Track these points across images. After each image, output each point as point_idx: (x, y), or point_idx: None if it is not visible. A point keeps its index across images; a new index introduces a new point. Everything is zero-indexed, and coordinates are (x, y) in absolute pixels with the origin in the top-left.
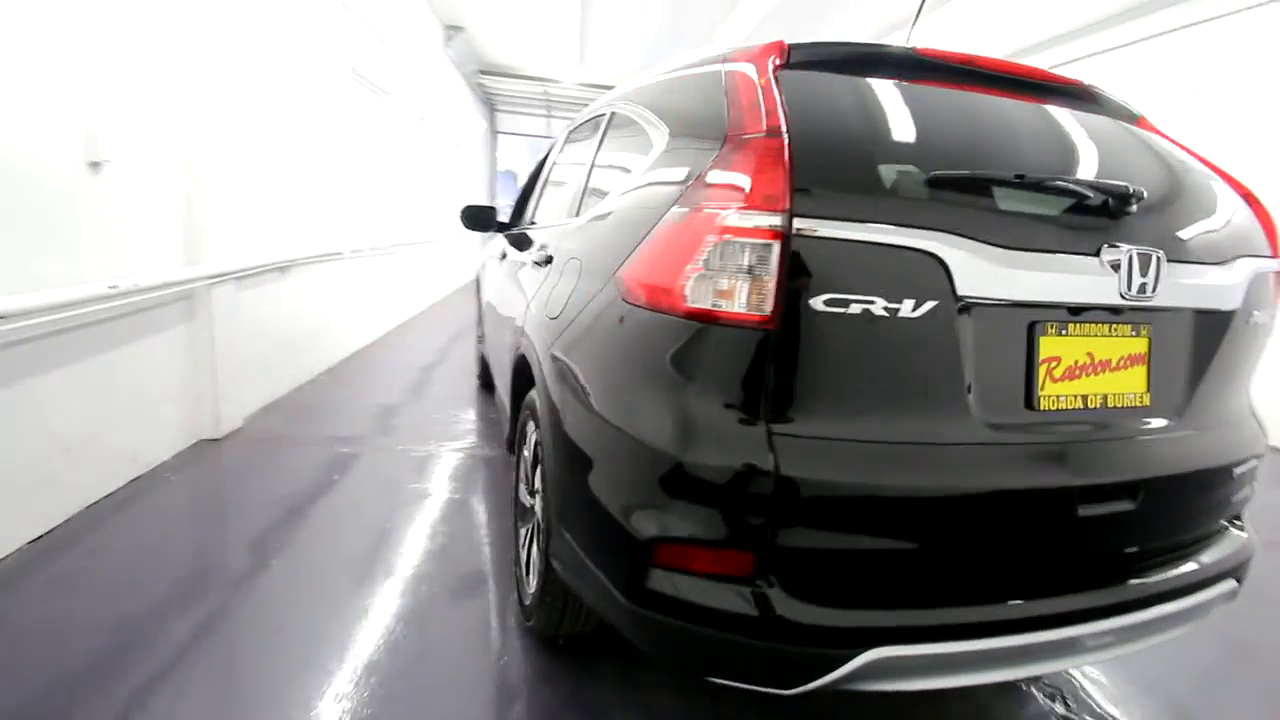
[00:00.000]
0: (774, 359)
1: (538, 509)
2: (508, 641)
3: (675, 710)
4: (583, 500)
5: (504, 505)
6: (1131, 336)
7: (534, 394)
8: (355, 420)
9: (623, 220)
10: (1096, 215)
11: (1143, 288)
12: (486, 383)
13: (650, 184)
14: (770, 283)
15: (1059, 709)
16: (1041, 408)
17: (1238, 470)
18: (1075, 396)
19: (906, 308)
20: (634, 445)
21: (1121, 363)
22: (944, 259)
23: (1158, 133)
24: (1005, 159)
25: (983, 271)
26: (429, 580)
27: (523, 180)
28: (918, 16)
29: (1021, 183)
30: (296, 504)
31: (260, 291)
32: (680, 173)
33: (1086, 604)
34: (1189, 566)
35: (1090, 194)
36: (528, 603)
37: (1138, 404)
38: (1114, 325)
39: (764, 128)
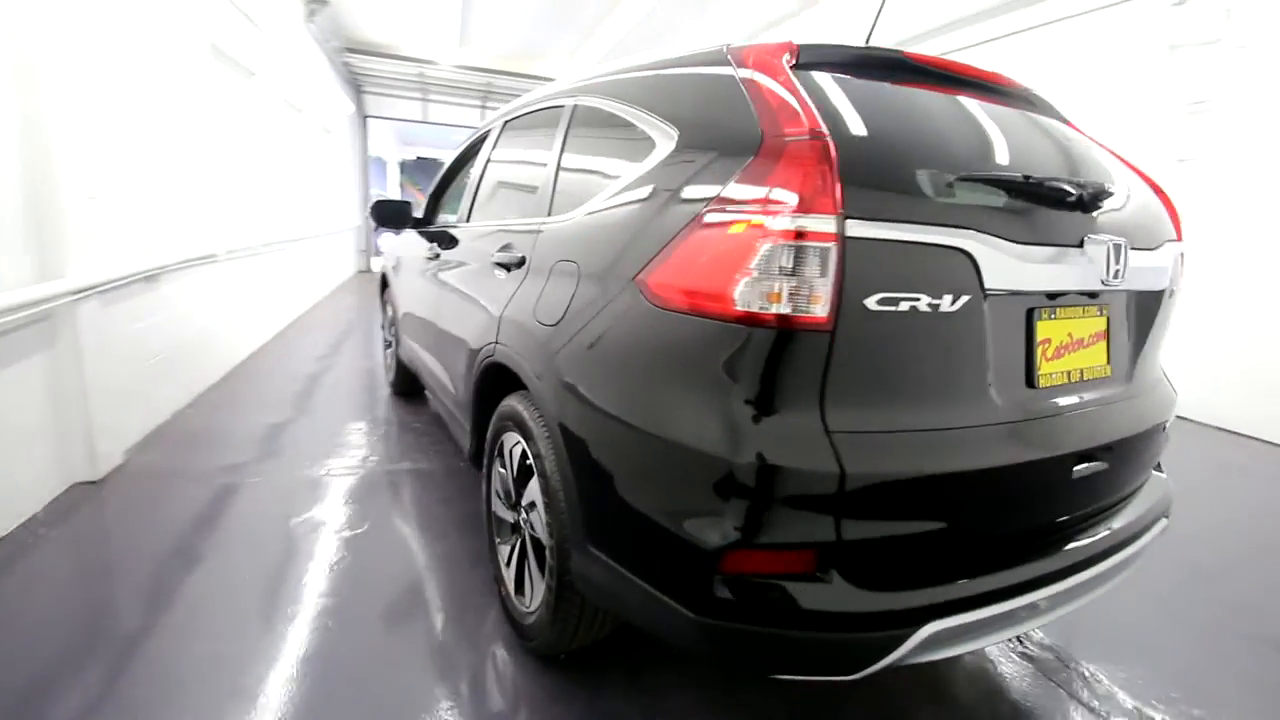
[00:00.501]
0: (830, 359)
1: (538, 525)
2: (500, 667)
3: (693, 707)
4: (621, 515)
5: (447, 523)
6: (1096, 316)
7: (516, 404)
8: (252, 445)
9: (630, 223)
10: (1075, 210)
11: (1117, 273)
12: (405, 391)
13: (664, 187)
14: (827, 285)
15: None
16: (1040, 385)
17: (1166, 424)
18: (1062, 373)
19: (945, 303)
20: (685, 454)
21: (1090, 339)
22: (974, 255)
23: (1080, 131)
24: (998, 159)
25: (1002, 265)
26: (403, 608)
27: (390, 172)
28: (877, 17)
29: (1025, 182)
30: (198, 553)
31: (130, 306)
32: (707, 175)
33: (1082, 555)
34: (1142, 510)
35: (1075, 190)
36: (528, 621)
37: (1102, 375)
38: (1085, 307)
39: (805, 129)
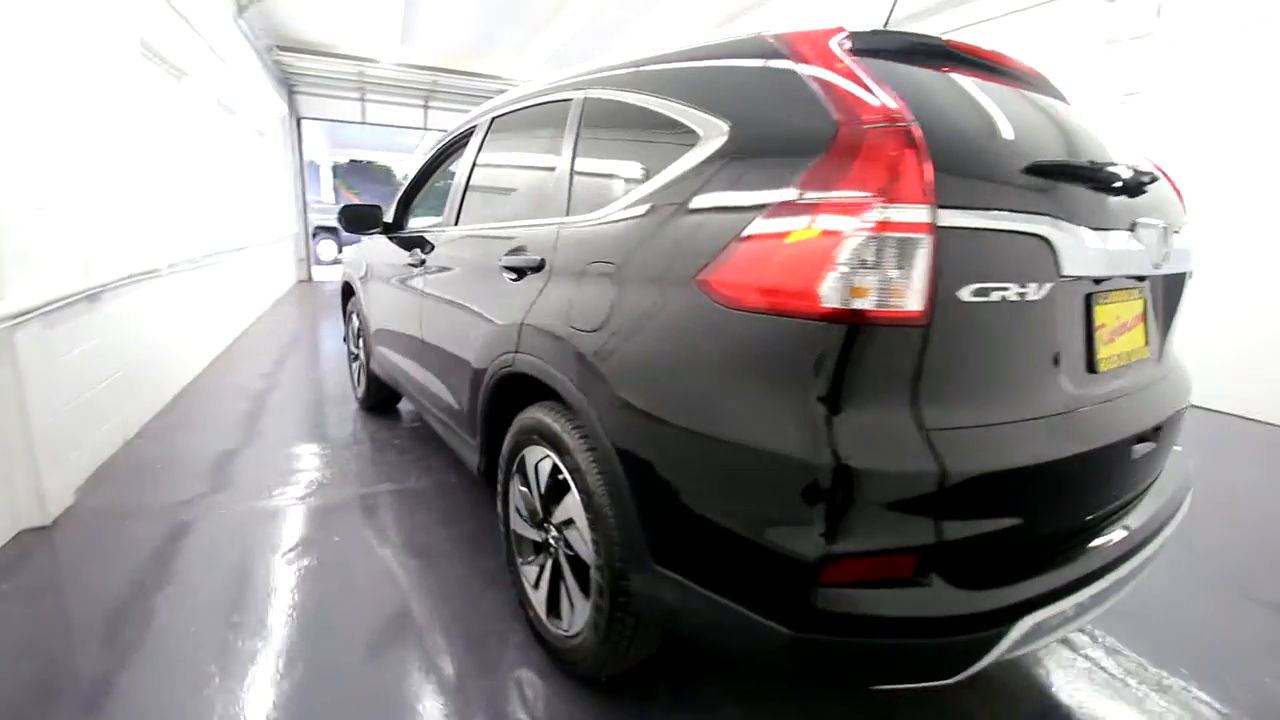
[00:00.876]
0: (925, 354)
1: (579, 543)
2: (534, 696)
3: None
4: (696, 531)
5: (450, 544)
6: (1137, 299)
7: (542, 416)
8: (215, 475)
9: (682, 220)
10: (1123, 194)
11: (1165, 256)
12: (376, 406)
13: (720, 180)
14: (922, 278)
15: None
16: (1100, 370)
17: (1190, 401)
18: (1115, 356)
19: (1031, 291)
20: (774, 462)
21: (1133, 322)
22: (1052, 241)
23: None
24: (1053, 145)
25: (1075, 250)
26: (408, 640)
27: (323, 176)
28: (894, 7)
29: (1088, 167)
30: (163, 603)
31: (72, 329)
32: (775, 167)
33: (1143, 532)
34: (1177, 484)
35: (1127, 175)
36: (568, 644)
37: (1143, 356)
38: (1128, 290)
39: (885, 115)
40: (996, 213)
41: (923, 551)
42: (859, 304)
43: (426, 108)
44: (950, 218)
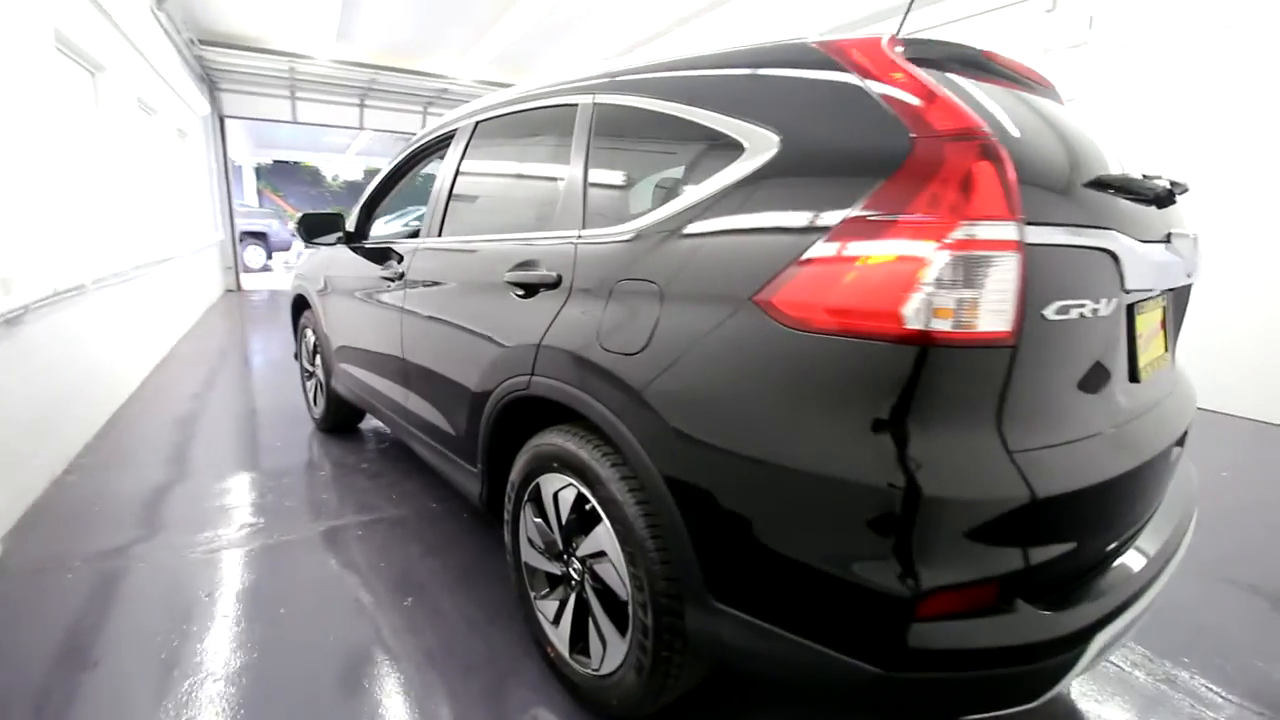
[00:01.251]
0: (1011, 375)
1: (613, 578)
2: None
3: None
4: (766, 566)
5: (438, 578)
6: (1160, 308)
7: (564, 443)
8: (160, 513)
9: (734, 236)
10: (1159, 206)
11: (1196, 267)
12: (337, 427)
13: (778, 194)
14: (1011, 297)
15: None
16: (1141, 379)
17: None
18: (1149, 365)
19: (1103, 306)
20: (863, 493)
21: (1157, 329)
22: (1118, 255)
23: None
24: (1101, 159)
25: (1134, 264)
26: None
27: (245, 178)
28: (907, 13)
29: (1140, 180)
30: (111, 670)
31: None
32: (843, 180)
33: (1177, 535)
34: (1191, 483)
35: (1165, 187)
36: (602, 684)
37: (1165, 364)
38: (1154, 299)
39: (963, 127)
40: (1070, 228)
41: (1011, 578)
42: (945, 325)
43: (363, 106)
44: (1034, 234)
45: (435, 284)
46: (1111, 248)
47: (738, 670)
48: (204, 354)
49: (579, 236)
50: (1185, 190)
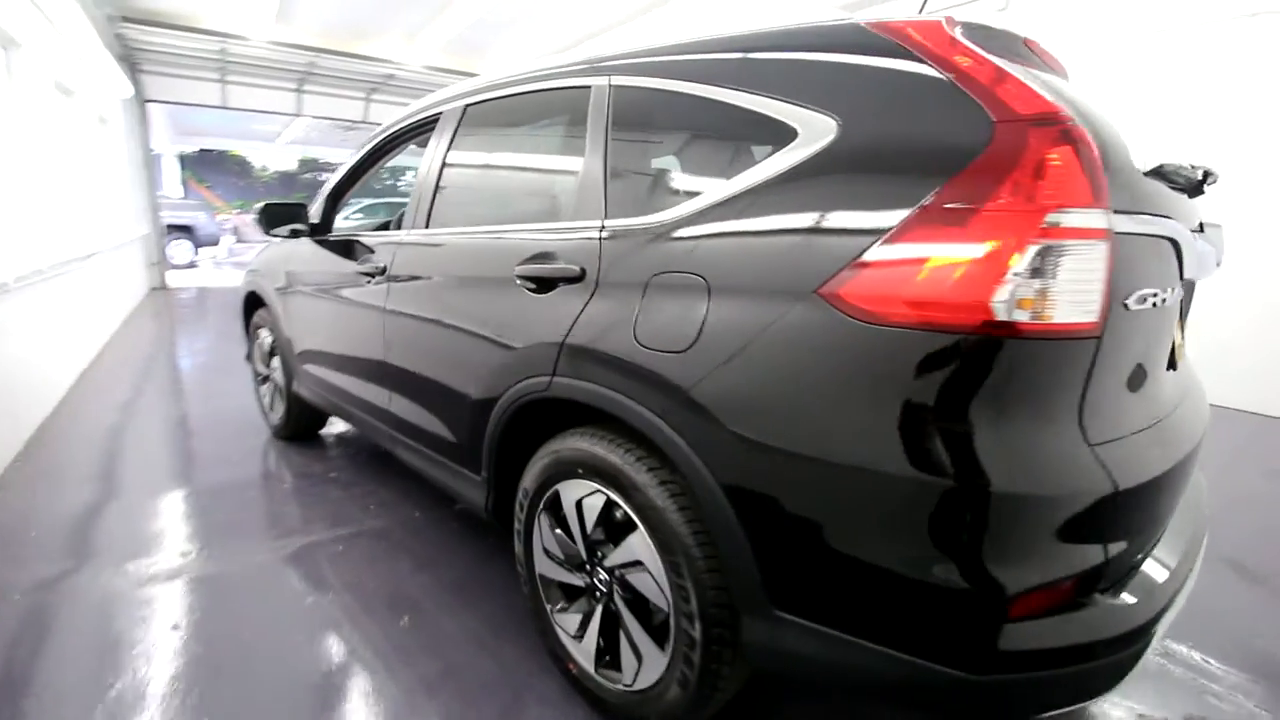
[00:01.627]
0: (1094, 366)
1: (651, 589)
2: None
3: None
4: (837, 572)
5: (433, 594)
6: (1180, 299)
7: (591, 446)
8: (107, 535)
9: (790, 227)
10: (1190, 195)
11: (1223, 256)
12: (297, 434)
13: (840, 181)
14: (1099, 287)
15: None
16: (1176, 368)
17: None
18: (1178, 349)
19: (1169, 295)
20: (949, 494)
21: (1176, 319)
22: (1180, 243)
23: None
24: (1140, 147)
25: (1190, 252)
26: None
27: (167, 168)
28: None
29: (1186, 169)
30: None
31: None
32: (913, 167)
33: (1200, 531)
34: (1199, 476)
35: (1200, 177)
36: (636, 699)
37: (1184, 355)
38: (1174, 289)
39: (1045, 113)
40: (1143, 216)
41: (1090, 573)
42: (1034, 317)
43: (300, 91)
44: (1119, 222)
45: (426, 280)
46: (1175, 236)
47: (797, 679)
48: (135, 358)
49: (602, 227)
50: (1215, 180)
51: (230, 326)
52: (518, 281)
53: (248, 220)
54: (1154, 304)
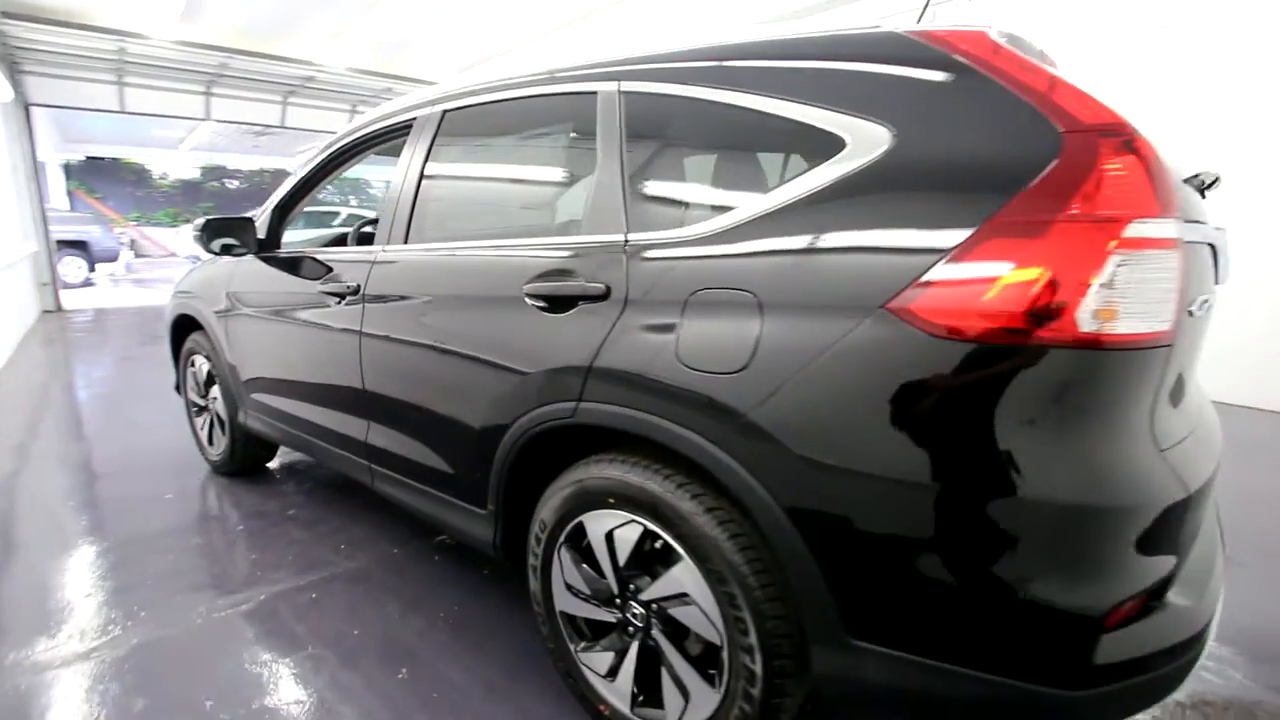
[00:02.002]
0: (1165, 375)
1: (698, 622)
2: None
3: None
4: (922, 596)
5: (435, 634)
6: None
7: (626, 475)
8: (19, 610)
9: (851, 239)
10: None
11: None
12: (243, 470)
13: (897, 194)
14: (1174, 294)
15: None
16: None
17: None
18: None
19: (1212, 299)
20: (1041, 510)
21: None
22: (1218, 249)
23: None
24: None
25: (1224, 256)
26: None
27: (50, 177)
28: (925, 7)
29: (1200, 175)
30: None
31: None
32: (978, 179)
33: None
34: None
35: (1213, 180)
36: None
37: None
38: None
39: (1110, 124)
40: (1195, 224)
41: (1169, 577)
42: (1115, 327)
43: (209, 95)
44: (1184, 231)
45: (410, 300)
46: (1214, 241)
47: (876, 709)
48: (28, 393)
49: (626, 242)
50: (1219, 183)
51: (137, 351)
52: (527, 300)
53: (148, 234)
54: (1206, 309)
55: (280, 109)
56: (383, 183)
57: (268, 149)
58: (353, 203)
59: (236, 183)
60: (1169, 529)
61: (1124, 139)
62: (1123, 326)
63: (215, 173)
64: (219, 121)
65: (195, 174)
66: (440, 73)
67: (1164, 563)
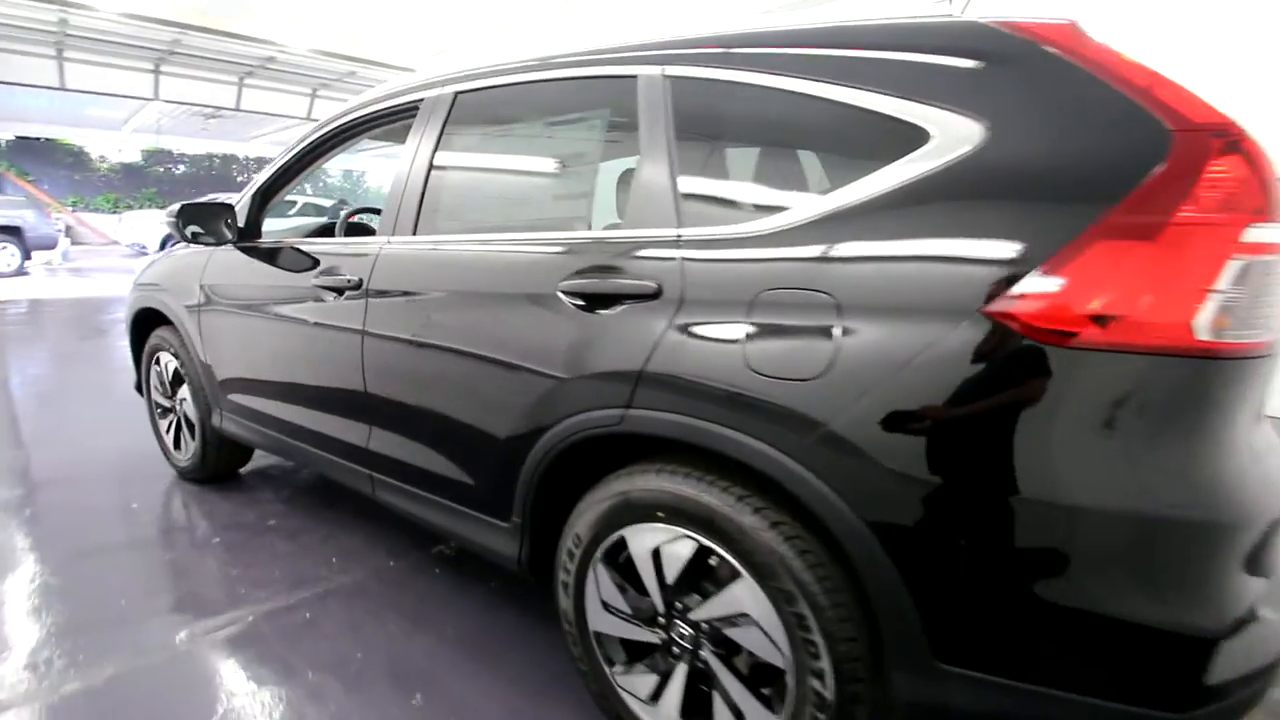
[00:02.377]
0: (1266, 386)
1: (761, 645)
2: None
3: None
4: (1024, 617)
5: (448, 653)
6: None
7: (679, 488)
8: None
9: (939, 238)
10: None
11: None
12: (216, 476)
13: (995, 192)
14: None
15: None
16: None
17: None
18: None
19: None
20: (1161, 527)
21: None
22: None
23: None
24: None
25: None
26: None
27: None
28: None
29: None
30: None
31: None
32: (1081, 177)
33: None
34: None
35: None
36: None
37: None
38: None
39: (1219, 123)
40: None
41: (1265, 591)
42: (1231, 335)
43: (158, 73)
44: None
45: (423, 296)
46: None
47: None
48: None
49: (679, 238)
50: None
51: (79, 346)
52: (563, 299)
53: (86, 220)
54: None
55: (236, 90)
56: (340, 172)
57: (217, 132)
58: (308, 191)
59: (183, 167)
60: (1270, 544)
61: (1232, 139)
62: (1239, 335)
63: (159, 156)
64: (168, 102)
65: (137, 158)
66: (410, 58)
67: (1265, 578)
